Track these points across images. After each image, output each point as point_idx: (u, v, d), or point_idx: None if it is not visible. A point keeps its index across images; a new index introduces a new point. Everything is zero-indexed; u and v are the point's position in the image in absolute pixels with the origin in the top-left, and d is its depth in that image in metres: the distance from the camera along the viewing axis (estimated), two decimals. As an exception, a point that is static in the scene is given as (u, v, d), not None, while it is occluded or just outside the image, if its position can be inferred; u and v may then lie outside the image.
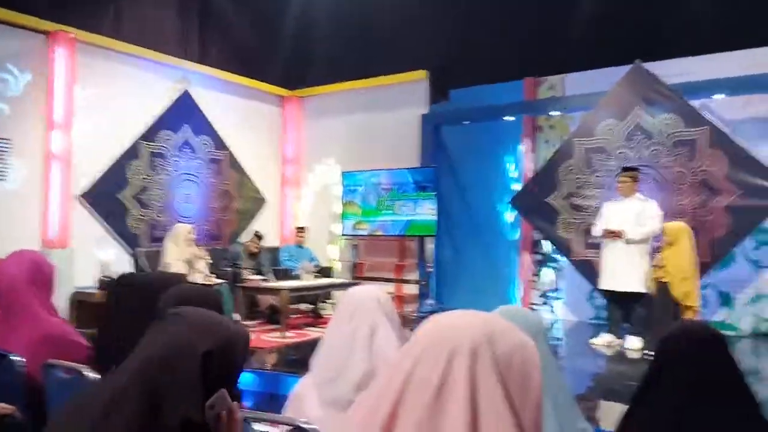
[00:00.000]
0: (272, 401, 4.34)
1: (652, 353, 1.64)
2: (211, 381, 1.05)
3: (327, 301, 7.93)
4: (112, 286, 2.30)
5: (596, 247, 6.26)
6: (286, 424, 1.44)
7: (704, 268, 5.98)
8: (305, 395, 1.75)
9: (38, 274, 2.48)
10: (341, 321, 1.76)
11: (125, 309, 2.11)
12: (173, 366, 1.03)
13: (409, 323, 7.44)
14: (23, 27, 6.53)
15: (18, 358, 2.14)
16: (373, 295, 1.78)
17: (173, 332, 1.09)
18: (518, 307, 1.77)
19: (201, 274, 6.73)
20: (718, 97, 6.65)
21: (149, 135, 7.71)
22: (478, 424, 0.82)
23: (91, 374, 1.89)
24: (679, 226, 5.54)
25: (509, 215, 8.15)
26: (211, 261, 7.05)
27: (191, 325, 1.10)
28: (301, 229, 8.54)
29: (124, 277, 2.37)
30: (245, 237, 8.36)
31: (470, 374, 0.84)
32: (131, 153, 7.51)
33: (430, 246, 8.44)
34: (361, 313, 1.73)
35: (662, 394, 1.49)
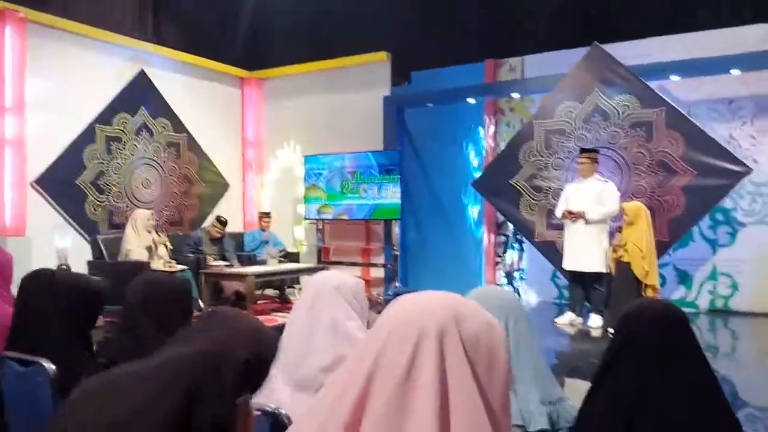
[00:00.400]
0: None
1: (614, 331, 1.67)
2: (244, 386, 1.07)
3: (294, 286, 7.89)
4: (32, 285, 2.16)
5: (559, 228, 6.35)
6: (257, 410, 1.42)
7: (663, 247, 6.13)
8: (272, 379, 1.74)
9: (-8, 263, 2.40)
10: (302, 308, 1.77)
11: (37, 309, 2.04)
12: (216, 369, 1.04)
13: (376, 306, 7.46)
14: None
15: (-28, 350, 2.06)
16: (332, 282, 1.78)
17: (217, 336, 1.12)
18: (492, 287, 1.77)
19: (162, 261, 6.62)
20: (675, 78, 6.77)
21: (105, 118, 7.51)
22: (447, 404, 0.82)
23: (50, 365, 1.84)
24: (638, 205, 5.66)
25: (473, 197, 8.21)
26: (172, 247, 6.93)
27: (235, 330, 1.14)
28: (265, 215, 8.41)
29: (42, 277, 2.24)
30: (208, 223, 8.24)
31: (438, 355, 0.84)
32: (87, 137, 7.31)
33: (395, 229, 8.46)
34: (320, 301, 1.74)
35: (623, 371, 1.51)
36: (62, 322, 1.98)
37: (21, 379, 1.93)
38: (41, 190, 6.86)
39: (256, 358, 1.08)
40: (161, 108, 8.23)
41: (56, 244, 6.13)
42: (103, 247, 6.69)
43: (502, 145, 7.68)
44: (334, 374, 0.96)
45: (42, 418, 1.80)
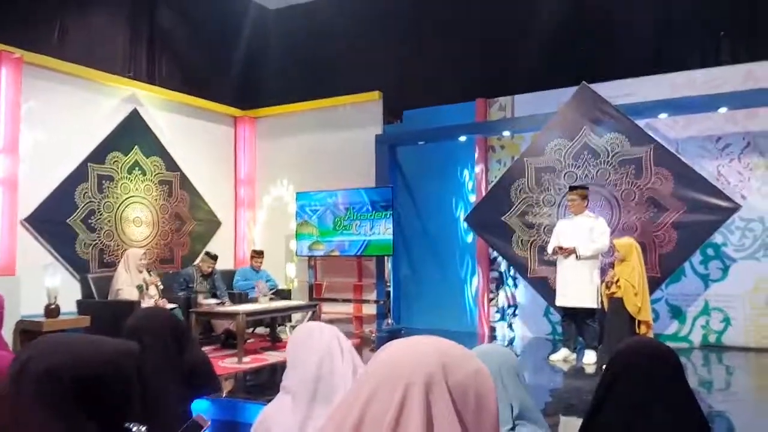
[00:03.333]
0: (229, 429, 4.24)
1: (604, 370, 1.68)
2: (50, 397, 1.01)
3: (286, 324, 7.83)
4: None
5: (551, 264, 6.37)
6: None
7: (655, 282, 6.15)
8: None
9: (-19, 305, 2.38)
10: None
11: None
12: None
13: (368, 343, 7.41)
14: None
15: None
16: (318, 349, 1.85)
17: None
18: (493, 345, 1.80)
19: (153, 299, 6.57)
20: (662, 116, 6.89)
21: (97, 157, 7.54)
22: None
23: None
24: (629, 242, 5.68)
25: (465, 233, 8.23)
26: (162, 286, 6.89)
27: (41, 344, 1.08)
28: (258, 254, 8.27)
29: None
30: (199, 260, 8.21)
31: (425, 408, 0.83)
32: (79, 176, 7.32)
33: (388, 265, 8.46)
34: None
35: (613, 409, 1.51)
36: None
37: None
38: (31, 229, 6.84)
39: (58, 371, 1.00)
40: (154, 147, 8.28)
41: (46, 284, 6.06)
42: (93, 286, 6.65)
43: (493, 182, 7.73)
44: (325, 420, 0.95)
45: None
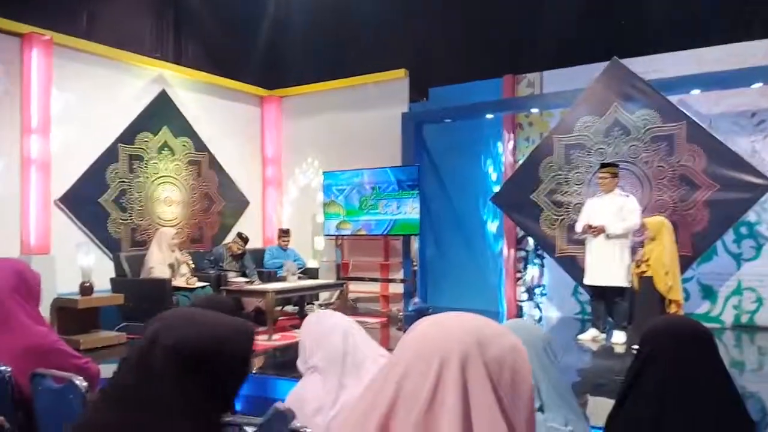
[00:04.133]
0: (259, 405, 4.32)
1: (637, 350, 1.65)
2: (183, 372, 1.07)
3: (314, 302, 7.91)
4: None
5: (580, 243, 6.30)
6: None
7: (686, 261, 6.07)
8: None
9: (22, 282, 2.44)
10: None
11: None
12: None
13: (395, 322, 7.46)
14: (-4, 30, 6.42)
15: (4, 368, 2.10)
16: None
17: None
18: (523, 320, 1.76)
19: (184, 278, 6.68)
20: (695, 92, 6.74)
21: (127, 137, 7.63)
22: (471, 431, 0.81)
23: (83, 383, 1.87)
24: (660, 220, 5.61)
25: (492, 212, 8.20)
26: (193, 265, 7.00)
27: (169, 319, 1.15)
28: (284, 233, 8.43)
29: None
30: (229, 239, 8.31)
31: (461, 383, 0.83)
32: (110, 156, 7.43)
33: (414, 245, 8.47)
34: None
35: (646, 390, 1.48)
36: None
37: (54, 396, 1.96)
38: (65, 209, 6.97)
39: (189, 345, 1.06)
40: (182, 127, 8.35)
41: (80, 262, 6.19)
42: (125, 265, 6.77)
43: (521, 160, 7.66)
44: (357, 398, 0.95)
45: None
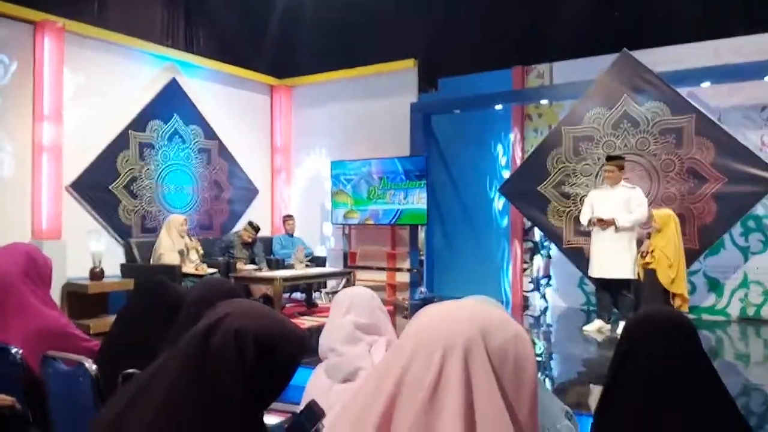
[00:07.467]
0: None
1: (618, 342, 1.58)
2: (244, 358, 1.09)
3: (321, 290, 7.97)
4: (142, 290, 2.30)
5: (587, 234, 6.31)
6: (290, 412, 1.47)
7: (693, 254, 6.07)
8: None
9: (33, 267, 2.49)
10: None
11: (149, 315, 2.14)
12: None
13: (401, 311, 7.51)
14: (9, 17, 6.45)
15: (16, 350, 2.15)
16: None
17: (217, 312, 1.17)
18: (487, 298, 1.71)
19: (193, 264, 6.75)
20: (705, 85, 6.70)
21: (138, 125, 7.68)
22: (474, 422, 0.81)
23: (92, 366, 1.91)
24: (668, 213, 5.61)
25: (499, 203, 8.21)
26: (203, 251, 7.07)
27: (234, 306, 1.17)
28: (289, 217, 8.56)
29: (159, 285, 2.30)
30: (238, 227, 8.37)
31: (464, 371, 0.83)
32: (120, 143, 7.48)
33: (421, 234, 8.49)
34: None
35: (629, 383, 1.46)
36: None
37: (65, 378, 2.01)
38: (76, 195, 7.04)
39: (251, 331, 1.09)
40: (193, 115, 8.39)
41: (91, 248, 6.28)
42: (135, 251, 6.85)
43: (530, 151, 7.65)
44: (359, 385, 0.95)
45: (84, 416, 1.88)
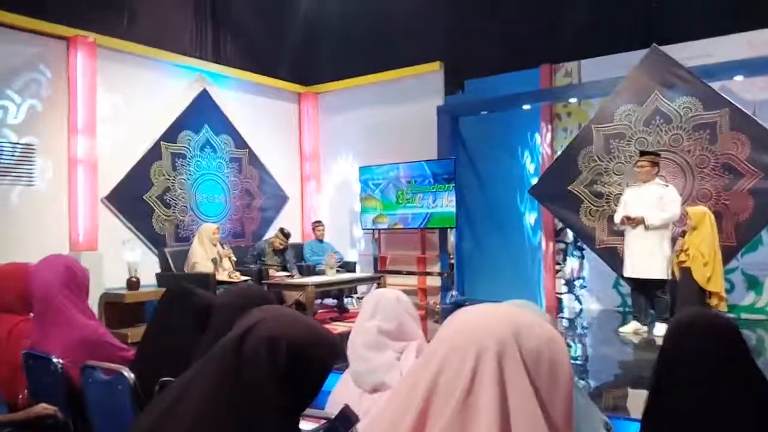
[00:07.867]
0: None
1: (660, 350, 1.54)
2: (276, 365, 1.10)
3: (352, 295, 7.99)
4: (171, 298, 2.29)
5: (620, 234, 6.21)
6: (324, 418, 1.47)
7: (730, 252, 5.93)
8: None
9: (72, 278, 2.55)
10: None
11: (179, 323, 2.15)
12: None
13: (432, 315, 7.48)
14: (44, 34, 6.63)
15: (57, 360, 2.21)
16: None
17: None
18: (526, 302, 1.68)
19: (226, 272, 6.83)
20: (738, 78, 6.55)
21: (170, 136, 7.81)
22: (509, 424, 0.80)
23: (130, 375, 1.95)
24: (702, 210, 5.50)
25: (529, 204, 8.13)
26: (235, 259, 7.15)
27: (265, 313, 1.18)
28: (318, 223, 8.63)
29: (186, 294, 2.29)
30: (270, 234, 8.44)
31: (498, 375, 0.82)
32: (153, 154, 7.62)
33: (451, 238, 8.46)
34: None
35: (676, 389, 1.43)
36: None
37: (104, 387, 2.05)
38: (111, 206, 7.19)
39: (284, 339, 1.09)
40: (223, 125, 8.51)
41: (126, 258, 6.39)
42: (170, 260, 6.95)
43: (559, 151, 7.57)
44: (393, 390, 0.95)
45: (123, 424, 1.92)
